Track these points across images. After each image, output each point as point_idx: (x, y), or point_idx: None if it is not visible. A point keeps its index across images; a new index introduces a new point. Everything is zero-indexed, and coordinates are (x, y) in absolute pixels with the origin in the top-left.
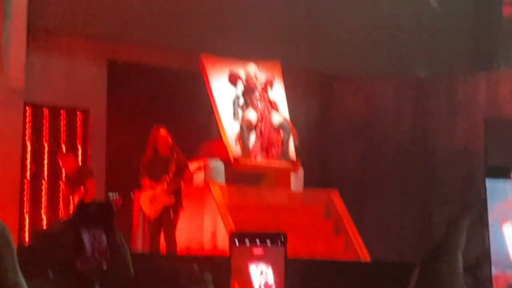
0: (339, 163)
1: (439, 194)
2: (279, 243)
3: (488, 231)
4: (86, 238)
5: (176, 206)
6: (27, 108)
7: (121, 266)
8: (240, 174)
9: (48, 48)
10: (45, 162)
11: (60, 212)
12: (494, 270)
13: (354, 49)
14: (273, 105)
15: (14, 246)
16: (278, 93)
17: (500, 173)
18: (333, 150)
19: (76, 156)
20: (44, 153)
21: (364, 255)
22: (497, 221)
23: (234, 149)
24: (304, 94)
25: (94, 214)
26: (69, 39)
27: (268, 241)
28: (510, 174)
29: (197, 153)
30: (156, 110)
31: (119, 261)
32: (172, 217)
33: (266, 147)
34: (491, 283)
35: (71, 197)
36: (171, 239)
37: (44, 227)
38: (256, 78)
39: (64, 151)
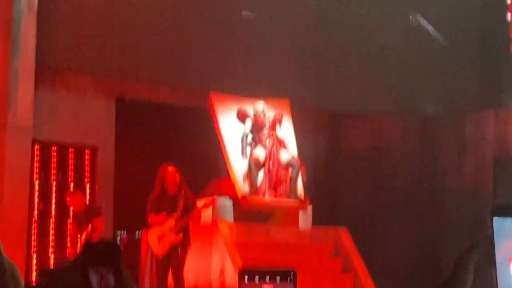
0: (347, 200)
1: (448, 232)
2: (289, 280)
3: (496, 270)
4: (93, 277)
5: (184, 244)
6: (35, 145)
7: None
8: (248, 212)
9: (56, 86)
10: (53, 200)
11: (67, 250)
12: None
13: (362, 86)
14: (281, 143)
15: (23, 286)
16: (286, 130)
17: (508, 212)
18: (341, 187)
19: (84, 193)
20: (52, 191)
21: None
22: (505, 260)
23: (242, 186)
24: (313, 131)
25: (101, 253)
26: (77, 77)
27: (277, 278)
28: None
29: (205, 191)
30: (164, 147)
31: None
32: (180, 254)
33: (274, 185)
34: None
35: (78, 235)
36: (179, 277)
37: (52, 266)
38: (265, 115)
39: (72, 188)
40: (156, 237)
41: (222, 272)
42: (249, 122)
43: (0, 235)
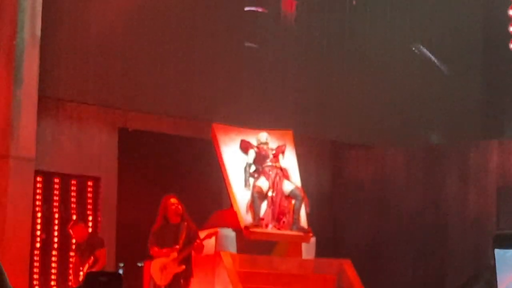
0: (351, 231)
1: (451, 263)
2: None
3: None
4: None
5: (186, 275)
6: (37, 176)
7: None
8: (251, 243)
9: (59, 116)
10: (55, 231)
11: (70, 282)
12: None
13: (365, 117)
14: (284, 173)
15: None
16: (290, 161)
17: (509, 243)
18: (345, 218)
19: (87, 225)
20: (54, 223)
21: None
22: None
23: (245, 217)
24: (316, 162)
25: (103, 284)
26: (80, 108)
27: None
28: None
29: (208, 222)
30: (167, 178)
31: None
32: (182, 285)
33: (277, 216)
34: None
35: (81, 267)
36: None
37: None
38: (268, 146)
39: (74, 220)
40: (159, 268)
41: None
42: (252, 153)
43: (2, 266)
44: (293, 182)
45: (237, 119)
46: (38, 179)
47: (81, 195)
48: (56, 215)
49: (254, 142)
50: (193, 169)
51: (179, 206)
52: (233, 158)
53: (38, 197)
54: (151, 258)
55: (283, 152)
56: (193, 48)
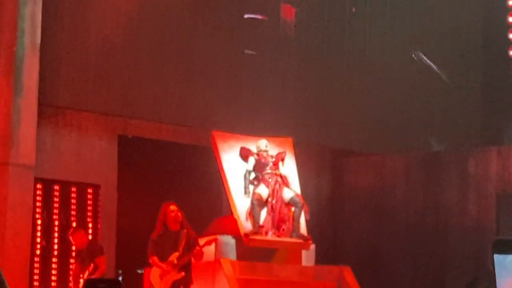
0: (351, 238)
1: (451, 269)
2: None
3: None
4: None
5: (186, 281)
6: (37, 184)
7: None
8: (251, 250)
9: (59, 124)
10: (55, 238)
11: None
12: None
13: (365, 124)
14: (284, 181)
15: None
16: (289, 168)
17: (509, 248)
18: (344, 225)
19: (87, 232)
20: (54, 230)
21: None
22: None
23: (245, 224)
24: (316, 169)
25: None
26: (79, 115)
27: None
28: None
29: (208, 229)
30: (167, 185)
31: None
32: None
33: (277, 223)
34: None
35: (81, 274)
36: None
37: None
38: (268, 153)
39: (74, 226)
40: (158, 275)
41: None
42: (252, 160)
43: (2, 273)
44: (293, 189)
45: (236, 126)
46: (38, 186)
47: (81, 202)
48: (56, 222)
49: (254, 149)
50: (192, 176)
51: (179, 213)
52: (233, 165)
53: (38, 204)
54: (150, 265)
55: (283, 160)
56: (192, 55)
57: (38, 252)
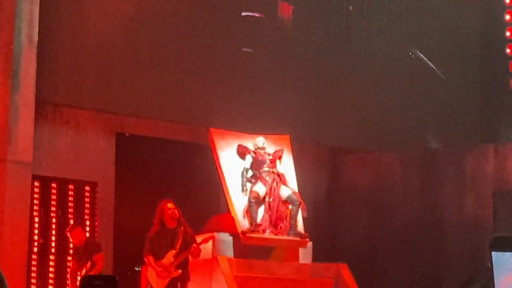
0: (348, 236)
1: (448, 267)
2: None
3: None
4: None
5: (183, 279)
6: (35, 181)
7: None
8: (248, 247)
9: (56, 121)
10: (53, 236)
11: (67, 286)
12: None
13: (362, 122)
14: (281, 179)
15: None
16: (287, 166)
17: (506, 246)
18: (342, 223)
19: (84, 229)
20: (51, 227)
21: None
22: None
23: (242, 222)
24: (313, 167)
25: (98, 287)
26: (77, 112)
27: None
28: None
29: (205, 226)
30: (164, 183)
31: None
32: None
33: (274, 221)
34: None
35: (78, 271)
36: None
37: None
38: (265, 151)
39: (72, 224)
40: (155, 272)
41: None
42: (249, 158)
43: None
44: (290, 187)
45: (234, 124)
46: (36, 183)
47: (79, 200)
48: (54, 220)
49: (251, 147)
50: (190, 173)
51: (176, 211)
52: (230, 163)
53: (35, 201)
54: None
55: (280, 157)
56: (190, 53)
57: (35, 249)
